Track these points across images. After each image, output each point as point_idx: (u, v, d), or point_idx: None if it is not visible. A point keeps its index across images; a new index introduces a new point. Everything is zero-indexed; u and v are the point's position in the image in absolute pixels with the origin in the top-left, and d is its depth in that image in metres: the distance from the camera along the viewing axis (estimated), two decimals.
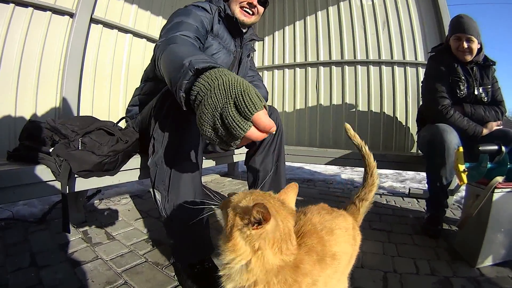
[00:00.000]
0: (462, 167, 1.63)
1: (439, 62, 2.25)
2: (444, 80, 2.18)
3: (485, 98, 2.18)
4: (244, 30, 1.73)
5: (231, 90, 0.70)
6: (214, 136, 0.74)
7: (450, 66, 2.19)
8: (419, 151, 2.72)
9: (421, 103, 2.74)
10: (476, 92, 2.17)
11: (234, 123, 0.68)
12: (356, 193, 1.05)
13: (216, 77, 0.74)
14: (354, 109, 3.52)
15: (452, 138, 1.89)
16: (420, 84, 2.75)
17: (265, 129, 0.71)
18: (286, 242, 0.62)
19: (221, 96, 0.71)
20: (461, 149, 1.68)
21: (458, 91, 2.16)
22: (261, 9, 1.69)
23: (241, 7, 1.63)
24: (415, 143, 3.23)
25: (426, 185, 2.11)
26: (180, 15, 1.39)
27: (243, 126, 0.69)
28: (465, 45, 2.11)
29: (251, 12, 1.66)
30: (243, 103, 0.68)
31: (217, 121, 0.71)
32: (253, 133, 0.71)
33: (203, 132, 0.74)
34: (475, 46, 2.12)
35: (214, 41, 1.56)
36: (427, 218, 2.02)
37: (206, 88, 0.74)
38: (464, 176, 1.62)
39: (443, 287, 1.33)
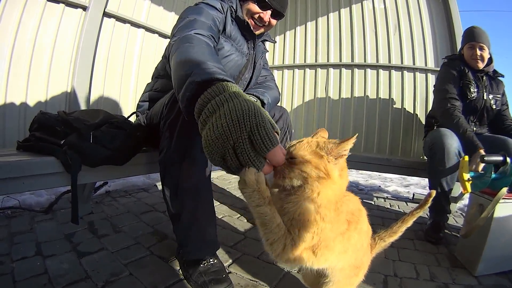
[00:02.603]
0: (466, 176, 1.64)
1: (451, 67, 2.32)
2: (455, 84, 2.25)
3: (494, 105, 2.26)
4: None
5: (245, 122, 0.63)
6: (222, 164, 0.68)
7: (462, 72, 2.27)
8: (425, 157, 2.71)
9: (429, 109, 2.75)
10: (485, 97, 2.23)
11: (249, 160, 0.64)
12: (377, 233, 1.13)
13: (224, 99, 0.68)
14: (362, 112, 3.51)
15: (452, 142, 1.91)
16: (431, 89, 2.79)
17: (278, 164, 0.69)
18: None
19: (233, 126, 0.63)
20: (466, 158, 1.69)
21: (468, 93, 2.22)
22: (273, 21, 1.64)
23: (252, 18, 1.60)
24: (421, 149, 3.22)
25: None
26: (192, 13, 1.35)
27: (257, 164, 0.65)
28: (478, 52, 2.21)
29: (261, 25, 1.62)
30: (259, 140, 0.63)
31: (228, 152, 0.64)
32: (265, 169, 0.68)
33: (210, 158, 0.68)
34: (486, 54, 2.23)
35: (226, 43, 1.52)
36: (430, 224, 2.03)
37: (214, 108, 0.68)
38: (468, 185, 1.63)
39: None
